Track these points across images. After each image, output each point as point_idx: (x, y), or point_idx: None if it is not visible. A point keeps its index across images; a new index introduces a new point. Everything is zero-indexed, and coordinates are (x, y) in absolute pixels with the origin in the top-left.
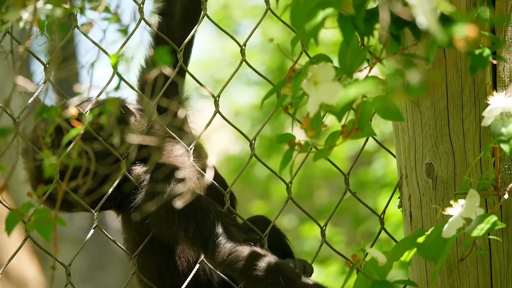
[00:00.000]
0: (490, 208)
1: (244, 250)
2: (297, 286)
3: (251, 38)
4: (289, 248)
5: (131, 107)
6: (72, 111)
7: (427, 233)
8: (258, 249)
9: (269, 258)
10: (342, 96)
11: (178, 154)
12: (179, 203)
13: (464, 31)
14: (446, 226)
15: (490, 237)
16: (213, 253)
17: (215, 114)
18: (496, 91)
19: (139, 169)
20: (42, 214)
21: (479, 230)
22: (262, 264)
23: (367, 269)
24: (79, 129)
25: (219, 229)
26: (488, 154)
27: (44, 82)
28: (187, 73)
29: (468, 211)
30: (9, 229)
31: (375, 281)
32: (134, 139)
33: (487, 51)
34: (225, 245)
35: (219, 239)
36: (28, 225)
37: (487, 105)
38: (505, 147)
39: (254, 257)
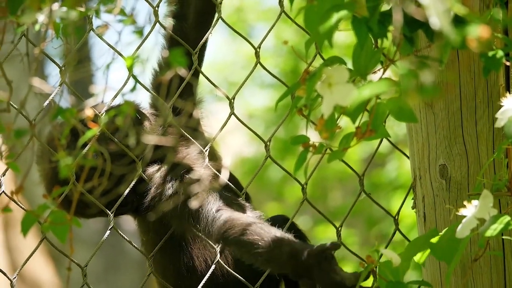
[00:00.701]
0: (504, 209)
1: (242, 217)
2: (302, 261)
3: (265, 41)
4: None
5: (145, 111)
6: (88, 112)
7: (440, 233)
8: (259, 221)
9: (269, 228)
10: (356, 98)
11: (193, 155)
12: (194, 204)
13: (477, 32)
14: (459, 226)
15: (504, 237)
16: (212, 226)
17: (230, 116)
18: (510, 93)
19: (154, 169)
20: (57, 216)
21: (493, 230)
22: (259, 230)
23: (381, 270)
24: (94, 130)
25: (221, 204)
26: (502, 155)
27: (60, 84)
28: (200, 75)
29: (482, 211)
30: (25, 230)
31: (390, 282)
32: (150, 140)
33: (500, 53)
34: (223, 215)
35: (219, 212)
36: (44, 226)
37: (500, 106)
38: None
39: (251, 224)
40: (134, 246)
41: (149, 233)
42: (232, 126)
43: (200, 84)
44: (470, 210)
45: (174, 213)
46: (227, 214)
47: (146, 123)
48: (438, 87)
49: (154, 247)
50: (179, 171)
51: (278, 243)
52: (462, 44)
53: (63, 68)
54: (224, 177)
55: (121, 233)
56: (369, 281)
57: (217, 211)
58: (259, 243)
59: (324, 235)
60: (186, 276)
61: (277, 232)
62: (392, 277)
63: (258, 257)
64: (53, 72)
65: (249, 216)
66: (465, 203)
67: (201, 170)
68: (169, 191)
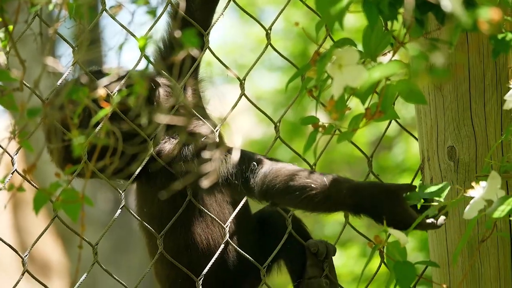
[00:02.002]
0: (511, 191)
1: (284, 166)
2: (368, 195)
3: (274, 25)
4: (307, 232)
5: (160, 83)
6: (101, 91)
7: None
8: (303, 168)
9: (318, 173)
10: (366, 79)
11: (205, 133)
12: (206, 183)
13: (488, 14)
14: (467, 207)
15: None
16: (253, 179)
17: (240, 96)
18: None
19: (167, 147)
20: (69, 194)
21: (500, 211)
22: (308, 174)
23: (389, 250)
24: (107, 110)
25: (257, 158)
26: (510, 137)
27: (73, 64)
28: (208, 57)
29: (489, 193)
30: (37, 208)
31: (398, 262)
32: (162, 119)
33: (510, 36)
34: (263, 167)
35: (258, 166)
36: (55, 204)
37: (509, 88)
38: None
39: (297, 171)
40: (146, 225)
41: (152, 206)
42: (240, 108)
43: (210, 65)
44: (478, 191)
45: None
46: (267, 166)
47: (160, 99)
48: (448, 69)
49: (154, 219)
50: (192, 149)
51: (334, 181)
52: (473, 26)
53: (76, 48)
54: (235, 156)
55: (133, 213)
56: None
57: (255, 165)
58: (312, 185)
59: (330, 217)
60: (185, 253)
61: (328, 175)
62: (399, 257)
63: (313, 199)
64: (66, 52)
65: (290, 165)
66: (473, 184)
67: (213, 148)
68: (182, 169)
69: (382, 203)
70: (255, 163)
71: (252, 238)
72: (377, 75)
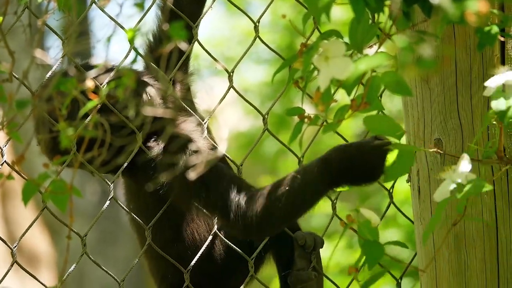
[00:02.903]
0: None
1: (260, 190)
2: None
3: (261, 18)
4: (295, 224)
5: (146, 79)
6: (89, 83)
7: None
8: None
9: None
10: (352, 71)
11: (192, 127)
12: (193, 175)
13: (476, 6)
14: (437, 190)
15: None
16: (234, 212)
17: (229, 89)
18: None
19: (153, 140)
20: (58, 185)
21: (466, 193)
22: (275, 184)
23: (360, 230)
24: (95, 101)
25: (235, 191)
26: (493, 122)
27: (62, 56)
28: (196, 49)
29: (459, 175)
30: (25, 199)
31: (366, 241)
32: (149, 111)
33: (495, 29)
34: (243, 198)
35: (237, 198)
36: (44, 195)
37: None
38: (502, 118)
39: (265, 187)
40: (135, 217)
41: (139, 200)
42: (228, 100)
43: (198, 58)
44: (448, 174)
45: (174, 183)
46: (247, 195)
47: (147, 93)
48: (435, 62)
49: (141, 213)
50: (179, 143)
51: (300, 170)
52: (461, 18)
53: (65, 41)
54: (222, 149)
55: (121, 204)
56: None
57: (235, 195)
58: (285, 188)
59: (318, 207)
60: (173, 246)
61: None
62: (370, 237)
63: (290, 197)
64: (54, 44)
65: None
66: (444, 167)
67: (200, 141)
68: (168, 162)
69: (351, 157)
70: (236, 194)
71: None
72: (363, 67)
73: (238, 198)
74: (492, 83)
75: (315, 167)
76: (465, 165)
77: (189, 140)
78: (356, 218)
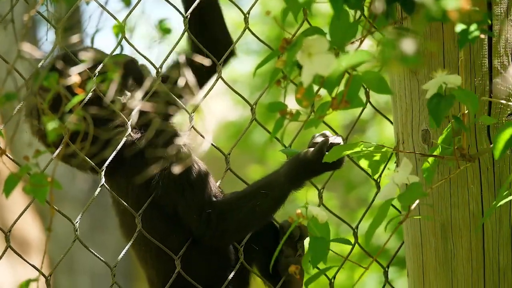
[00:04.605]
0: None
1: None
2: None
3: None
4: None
5: (139, 66)
6: (75, 78)
7: None
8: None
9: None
10: (335, 68)
11: (178, 120)
12: (177, 169)
13: (457, 4)
14: (381, 190)
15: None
16: (204, 221)
17: (217, 79)
18: (492, 63)
19: (138, 135)
20: (38, 178)
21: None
22: (242, 191)
23: (310, 227)
24: (81, 96)
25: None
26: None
27: (54, 47)
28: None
29: (402, 177)
30: (7, 191)
31: (313, 237)
32: (135, 105)
33: (474, 26)
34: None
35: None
36: (26, 188)
37: (483, 74)
38: (435, 122)
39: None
40: (125, 204)
41: (128, 199)
42: (216, 91)
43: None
44: (392, 175)
45: (158, 180)
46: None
47: (135, 85)
48: (420, 56)
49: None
50: (164, 137)
51: (267, 178)
52: (443, 16)
53: (57, 29)
54: (208, 141)
55: (112, 192)
56: None
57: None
58: (251, 194)
59: (305, 197)
60: (166, 239)
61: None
62: (318, 234)
63: (258, 204)
64: (44, 37)
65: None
66: (389, 167)
67: (186, 135)
68: (153, 157)
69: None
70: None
71: None
72: (344, 65)
73: (208, 213)
74: (429, 85)
75: (281, 176)
76: (405, 168)
77: (174, 134)
78: (305, 214)
